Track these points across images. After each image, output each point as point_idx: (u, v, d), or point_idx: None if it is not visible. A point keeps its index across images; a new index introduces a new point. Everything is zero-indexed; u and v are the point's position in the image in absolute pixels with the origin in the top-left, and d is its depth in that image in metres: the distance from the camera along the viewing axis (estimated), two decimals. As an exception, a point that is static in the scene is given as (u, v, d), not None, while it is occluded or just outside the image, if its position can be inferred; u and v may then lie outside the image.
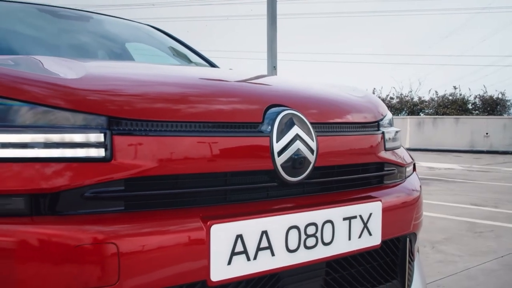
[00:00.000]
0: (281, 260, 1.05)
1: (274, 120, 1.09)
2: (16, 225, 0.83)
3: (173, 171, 0.98)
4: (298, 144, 1.11)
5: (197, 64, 2.63)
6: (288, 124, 1.10)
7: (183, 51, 2.77)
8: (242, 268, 0.98)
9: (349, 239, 1.17)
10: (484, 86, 16.63)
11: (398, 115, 18.21)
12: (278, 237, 1.04)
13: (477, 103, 16.80)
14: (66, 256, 0.84)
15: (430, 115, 17.24)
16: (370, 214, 1.22)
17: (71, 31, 2.28)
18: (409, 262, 1.43)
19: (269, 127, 1.09)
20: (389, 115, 1.62)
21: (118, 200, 0.92)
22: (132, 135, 0.94)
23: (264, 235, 1.01)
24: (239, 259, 0.98)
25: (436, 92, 17.42)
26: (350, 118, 1.34)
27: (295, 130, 1.11)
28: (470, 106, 16.92)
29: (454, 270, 2.85)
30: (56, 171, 0.87)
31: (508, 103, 16.51)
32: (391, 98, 18.49)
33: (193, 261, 0.93)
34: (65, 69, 1.07)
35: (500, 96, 16.46)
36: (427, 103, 17.68)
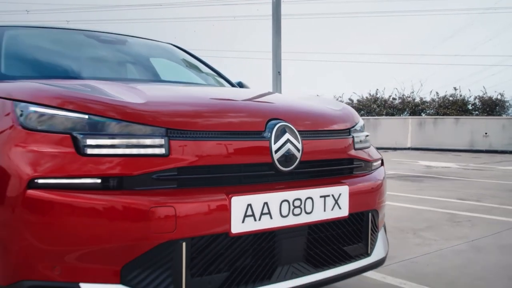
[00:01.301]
0: (277, 222, 1.58)
1: (272, 129, 1.64)
2: (117, 195, 1.38)
3: (206, 163, 1.52)
4: (288, 146, 1.65)
5: (208, 75, 3.19)
6: (281, 132, 1.65)
7: (194, 63, 3.32)
8: (251, 225, 1.52)
9: (324, 210, 1.71)
10: (484, 87, 17.06)
11: (400, 115, 18.68)
12: (274, 206, 1.57)
13: (477, 103, 17.23)
14: (145, 214, 1.38)
15: (431, 115, 17.68)
16: (340, 194, 1.75)
17: (113, 52, 2.84)
18: (372, 231, 1.97)
19: (269, 134, 1.63)
20: (360, 122, 2.15)
21: (173, 181, 1.47)
22: (180, 139, 1.49)
23: (265, 205, 1.55)
24: (249, 220, 1.52)
25: (437, 93, 17.87)
26: (327, 126, 1.89)
27: (287, 136, 1.65)
28: (470, 107, 17.35)
29: (428, 250, 3.37)
30: (137, 162, 1.42)
31: (507, 104, 16.93)
32: (394, 98, 18.94)
33: (220, 219, 1.47)
34: (135, 96, 1.62)
35: (499, 97, 16.88)
36: (428, 104, 18.13)
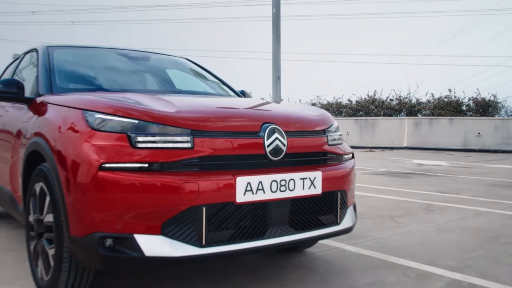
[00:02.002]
0: (268, 195, 2.23)
1: (265, 130, 2.29)
2: (159, 175, 2.03)
3: (218, 153, 2.17)
4: (277, 142, 2.30)
5: (216, 84, 3.85)
6: (272, 132, 2.30)
7: (204, 74, 3.98)
8: (249, 197, 2.18)
9: (303, 189, 2.36)
10: (477, 89, 17.68)
11: (397, 116, 19.30)
12: (266, 184, 2.22)
13: (471, 105, 17.84)
14: (177, 187, 2.03)
15: (427, 116, 18.30)
16: (315, 177, 2.40)
17: (140, 67, 3.51)
18: (341, 207, 2.61)
19: (263, 134, 2.28)
20: (335, 124, 2.81)
21: (196, 165, 2.12)
22: (200, 137, 2.14)
23: (260, 183, 2.20)
24: (248, 193, 2.17)
25: (432, 94, 18.50)
26: (306, 128, 2.54)
27: (276, 135, 2.31)
28: (464, 108, 17.96)
29: (400, 232, 4.02)
30: (171, 153, 2.08)
31: (500, 105, 17.55)
32: (391, 100, 19.57)
33: (228, 192, 2.12)
34: (168, 106, 2.28)
35: (492, 98, 17.49)
36: (424, 105, 18.75)
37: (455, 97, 18.03)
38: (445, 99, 18.10)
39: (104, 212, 2.02)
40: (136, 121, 2.12)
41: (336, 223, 2.57)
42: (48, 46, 3.35)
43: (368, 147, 17.97)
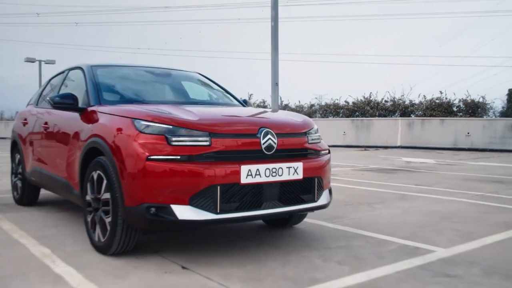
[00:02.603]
0: (263, 179, 3.15)
1: (261, 132, 3.21)
2: (187, 164, 2.95)
3: (228, 149, 3.09)
4: (270, 141, 3.22)
5: (222, 93, 4.78)
6: (266, 134, 3.22)
7: (210, 84, 4.91)
8: (250, 180, 3.09)
9: (289, 174, 3.27)
10: (467, 91, 18.59)
11: (391, 116, 20.21)
12: (262, 171, 3.14)
13: (461, 106, 18.76)
14: (200, 172, 2.95)
15: (419, 116, 19.21)
16: (297, 167, 3.32)
17: (163, 80, 4.44)
18: (318, 189, 3.53)
19: (260, 135, 3.21)
20: (314, 128, 3.73)
21: (212, 157, 3.04)
22: (215, 138, 3.07)
23: (257, 170, 3.12)
24: (249, 177, 3.09)
25: (424, 96, 19.43)
26: (291, 130, 3.46)
27: (269, 136, 3.23)
28: (455, 109, 18.89)
29: (372, 214, 4.94)
30: (195, 148, 3.00)
31: (488, 106, 18.47)
32: (386, 101, 20.49)
33: (235, 176, 3.04)
34: (193, 115, 3.20)
35: (481, 100, 18.41)
36: (417, 106, 19.67)
37: (446, 98, 18.97)
38: (437, 101, 19.03)
39: (149, 189, 2.95)
40: (171, 126, 3.04)
41: (314, 200, 3.49)
42: (91, 66, 4.28)
43: (363, 146, 18.89)
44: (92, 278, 2.83)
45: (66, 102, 3.87)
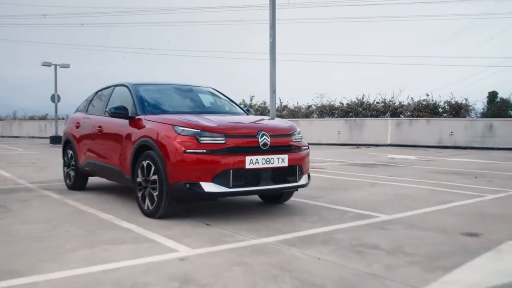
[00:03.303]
0: (260, 165, 4.67)
1: (259, 134, 4.75)
2: (211, 155, 4.49)
3: (237, 145, 4.63)
4: (265, 140, 4.76)
5: (230, 103, 6.34)
6: (262, 135, 4.76)
7: (221, 96, 6.46)
8: (251, 166, 4.61)
9: (278, 163, 4.80)
10: (452, 93, 20.09)
11: (382, 117, 21.73)
12: (260, 160, 4.67)
13: (446, 107, 20.29)
14: (219, 160, 4.48)
15: (408, 117, 20.72)
16: (284, 157, 4.85)
17: (188, 95, 6.00)
18: (299, 173, 5.05)
19: (258, 136, 4.75)
20: (297, 130, 5.27)
21: (226, 151, 4.57)
22: (228, 138, 4.61)
23: (256, 159, 4.64)
24: (251, 163, 4.61)
25: (412, 98, 20.96)
26: (280, 133, 5.00)
27: (264, 136, 4.76)
28: (440, 110, 20.41)
29: (345, 195, 6.46)
30: (216, 145, 4.54)
31: (470, 107, 20.00)
32: (377, 102, 22.01)
33: (242, 163, 4.57)
34: (212, 122, 4.74)
35: (464, 101, 19.92)
36: (405, 107, 21.19)
37: (432, 100, 20.48)
38: (424, 102, 20.55)
39: (185, 172, 4.48)
40: (199, 130, 4.58)
41: (296, 181, 5.01)
42: (134, 84, 5.83)
43: (356, 144, 20.42)
44: (150, 229, 4.36)
45: (120, 112, 5.40)
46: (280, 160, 4.81)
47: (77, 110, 7.29)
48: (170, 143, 4.60)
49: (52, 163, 11.93)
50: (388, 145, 20.20)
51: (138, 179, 5.05)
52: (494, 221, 4.78)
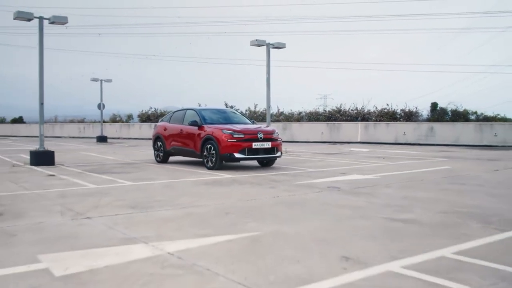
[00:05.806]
0: (259, 146, 11.02)
1: (258, 133, 11.13)
2: (238, 141, 10.88)
3: (248, 138, 11.00)
4: (261, 135, 11.14)
5: (243, 116, 12.81)
6: (259, 133, 11.15)
7: (238, 113, 12.90)
8: (255, 146, 10.98)
9: (266, 146, 11.15)
10: (406, 103, 26.28)
11: (354, 121, 28.00)
12: (258, 146, 11.02)
13: (401, 114, 26.54)
14: (240, 144, 10.85)
15: (373, 121, 26.97)
16: (269, 143, 11.21)
17: (223, 114, 12.42)
18: (276, 151, 11.41)
19: (258, 134, 11.12)
20: (276, 131, 11.69)
21: (244, 140, 10.94)
22: (245, 135, 11.00)
23: (257, 144, 11.01)
24: (255, 145, 10.98)
25: (376, 107, 27.24)
26: (268, 132, 11.39)
27: (261, 134, 11.15)
28: (397, 116, 26.65)
29: (303, 165, 12.74)
30: (239, 138, 10.94)
31: (419, 114, 26.25)
32: (352, 110, 28.28)
33: (251, 145, 10.93)
34: (238, 128, 11.13)
35: (414, 109, 26.19)
36: (372, 113, 27.46)
37: (391, 109, 26.74)
38: (385, 110, 26.81)
39: (227, 149, 10.86)
40: (232, 132, 10.95)
41: (275, 154, 11.41)
42: (198, 109, 12.26)
43: (334, 142, 26.68)
44: (216, 172, 10.70)
45: (194, 123, 11.78)
46: (267, 144, 11.15)
47: (161, 121, 13.69)
48: (220, 137, 10.93)
49: (128, 153, 18.25)
50: (358, 142, 26.41)
51: (205, 153, 11.39)
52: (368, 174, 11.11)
